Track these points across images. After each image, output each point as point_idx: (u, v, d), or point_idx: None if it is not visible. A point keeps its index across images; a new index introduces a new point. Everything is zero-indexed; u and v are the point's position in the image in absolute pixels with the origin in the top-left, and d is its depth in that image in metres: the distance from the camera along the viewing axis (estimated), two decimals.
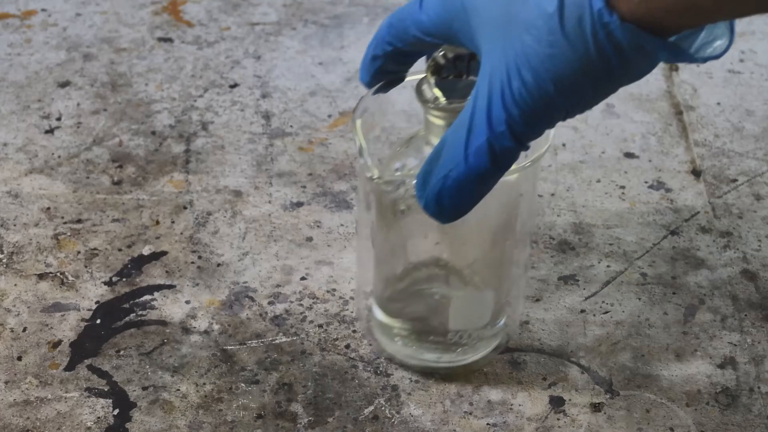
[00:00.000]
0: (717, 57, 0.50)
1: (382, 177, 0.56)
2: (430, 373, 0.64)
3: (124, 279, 0.70)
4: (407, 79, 0.60)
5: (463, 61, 0.55)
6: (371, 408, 0.62)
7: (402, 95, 0.60)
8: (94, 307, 0.68)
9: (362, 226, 0.64)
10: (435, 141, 0.57)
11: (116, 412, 0.62)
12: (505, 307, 0.64)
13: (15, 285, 0.69)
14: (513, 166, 0.52)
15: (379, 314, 0.65)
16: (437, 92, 0.56)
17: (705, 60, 0.50)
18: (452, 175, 0.51)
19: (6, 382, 0.63)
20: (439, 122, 0.57)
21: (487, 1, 0.50)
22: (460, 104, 0.55)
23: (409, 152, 0.60)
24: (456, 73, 0.55)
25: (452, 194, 0.52)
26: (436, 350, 0.64)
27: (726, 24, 0.51)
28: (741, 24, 0.95)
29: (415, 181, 0.53)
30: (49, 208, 0.74)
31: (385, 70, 0.57)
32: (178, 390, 0.63)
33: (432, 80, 0.56)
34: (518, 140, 0.50)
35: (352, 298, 0.69)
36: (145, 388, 0.63)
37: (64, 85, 0.85)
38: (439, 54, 0.55)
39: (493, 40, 0.50)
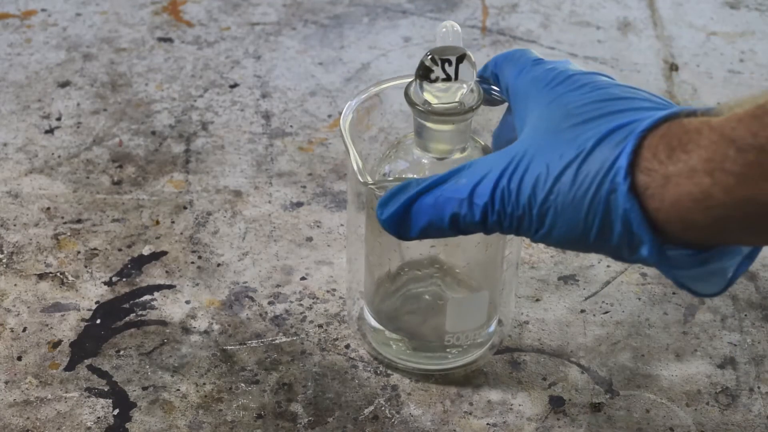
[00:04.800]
0: (698, 295, 0.49)
1: (374, 182, 0.56)
2: (430, 374, 0.64)
3: (124, 279, 0.70)
4: (397, 82, 0.60)
5: (451, 64, 0.55)
6: (371, 408, 0.62)
7: (399, 95, 0.60)
8: (94, 307, 0.68)
9: (352, 226, 0.64)
10: (425, 144, 0.58)
11: (116, 412, 0.62)
12: (498, 307, 0.64)
13: (15, 285, 0.69)
14: None
15: (372, 319, 0.65)
16: (427, 96, 0.55)
17: (685, 288, 0.48)
18: (419, 201, 0.52)
19: (6, 382, 0.63)
20: (429, 125, 0.57)
21: (557, 105, 0.50)
22: (451, 107, 0.56)
23: (398, 155, 0.60)
24: (445, 77, 0.55)
25: (410, 219, 0.52)
26: (430, 353, 0.64)
27: (728, 273, 0.49)
28: (741, 24, 0.96)
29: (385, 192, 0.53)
30: (49, 208, 0.74)
31: None
32: (178, 390, 0.63)
33: (421, 84, 0.56)
34: (483, 221, 0.50)
35: (345, 300, 0.69)
36: (145, 388, 0.63)
37: (64, 85, 0.85)
38: (428, 57, 0.55)
39: (535, 130, 0.50)
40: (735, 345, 0.67)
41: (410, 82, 0.56)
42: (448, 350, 0.64)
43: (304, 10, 0.95)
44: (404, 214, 0.52)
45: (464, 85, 0.55)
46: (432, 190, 0.51)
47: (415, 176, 0.58)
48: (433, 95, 0.55)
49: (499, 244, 0.62)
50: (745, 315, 0.69)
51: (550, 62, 0.54)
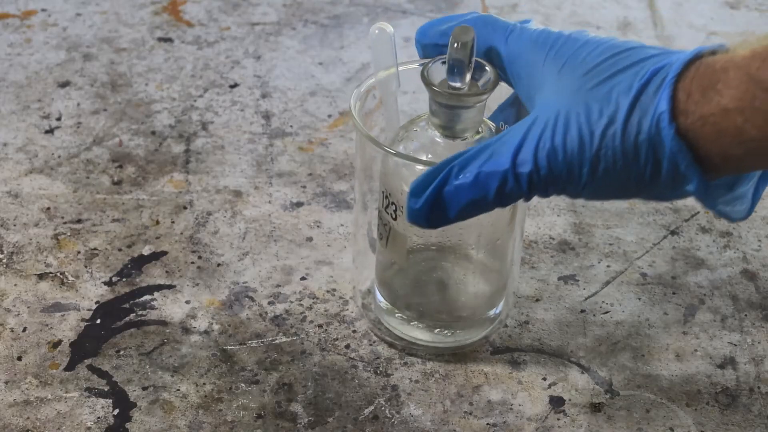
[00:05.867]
0: (733, 219, 0.53)
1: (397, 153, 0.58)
2: (430, 373, 0.64)
3: (124, 279, 0.70)
4: (407, 66, 0.61)
5: (467, 49, 0.55)
6: (371, 408, 0.62)
7: (408, 78, 0.60)
8: (94, 307, 0.68)
9: (359, 225, 0.64)
10: (439, 124, 0.58)
11: (116, 412, 0.62)
12: (503, 292, 0.65)
13: (15, 285, 0.69)
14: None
15: (381, 298, 0.65)
16: (458, 75, 0.56)
17: (722, 214, 0.52)
18: (455, 183, 0.52)
19: (6, 382, 0.63)
20: (445, 106, 0.57)
21: (572, 66, 0.52)
22: (467, 89, 0.56)
23: (411, 135, 0.60)
24: (461, 59, 0.55)
25: (446, 202, 0.53)
26: (435, 329, 0.64)
27: (749, 196, 0.53)
28: (741, 24, 0.96)
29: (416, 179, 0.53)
30: (49, 208, 0.74)
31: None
32: (178, 390, 0.63)
33: (438, 65, 0.56)
34: (530, 189, 0.52)
35: (351, 298, 0.69)
36: (145, 388, 0.63)
37: (64, 85, 0.85)
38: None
39: (558, 92, 0.51)
40: (735, 345, 0.67)
41: (426, 63, 0.57)
42: (457, 327, 0.64)
43: (304, 10, 0.95)
44: (438, 200, 0.53)
45: (486, 68, 0.57)
46: (468, 169, 0.52)
47: (431, 156, 0.59)
48: (451, 76, 0.56)
49: (511, 222, 0.62)
50: (745, 315, 0.69)
51: (531, 27, 0.57)
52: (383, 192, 0.61)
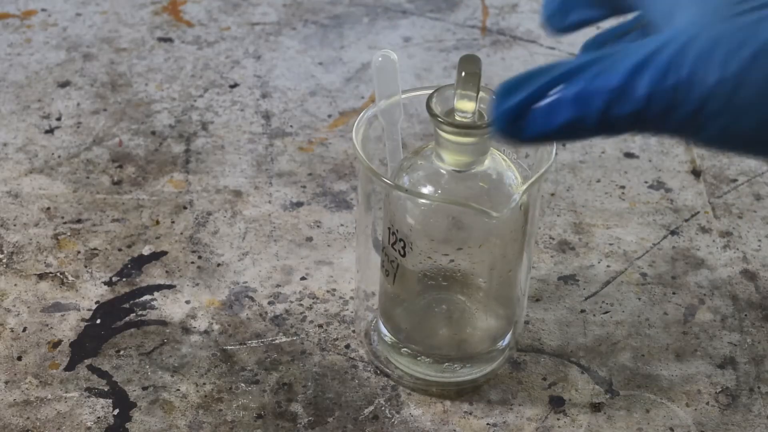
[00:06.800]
0: None
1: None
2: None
3: (124, 279, 0.70)
4: (412, 94, 0.60)
5: (475, 79, 0.54)
6: (371, 408, 0.62)
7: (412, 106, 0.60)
8: (94, 307, 0.68)
9: (362, 226, 0.64)
10: (445, 156, 0.57)
11: (116, 412, 0.62)
12: (511, 326, 0.64)
13: (15, 285, 0.69)
14: (518, 187, 0.51)
15: (385, 330, 0.64)
16: (465, 106, 0.55)
17: None
18: (551, 97, 0.45)
19: (6, 382, 0.63)
20: (449, 137, 0.56)
21: None
22: (472, 121, 0.55)
23: (417, 165, 0.59)
24: (468, 90, 0.54)
25: (537, 114, 0.45)
26: (440, 365, 0.63)
27: None
28: None
29: (497, 89, 0.47)
30: (49, 208, 0.74)
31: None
32: (178, 390, 0.63)
33: (444, 95, 0.55)
34: (640, 117, 0.44)
35: (352, 297, 0.69)
36: (145, 388, 0.63)
37: (64, 85, 0.85)
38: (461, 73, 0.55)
39: (698, 14, 0.44)
40: (735, 345, 0.67)
41: (432, 92, 0.56)
42: (461, 363, 0.63)
43: (304, 10, 0.95)
44: (527, 111, 0.45)
45: (485, 96, 0.55)
46: (573, 80, 0.45)
47: (434, 188, 0.57)
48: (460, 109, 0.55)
49: (516, 261, 0.61)
50: (745, 315, 0.69)
51: None
52: (389, 228, 0.59)
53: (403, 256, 0.59)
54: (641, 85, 0.44)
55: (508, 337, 0.64)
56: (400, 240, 0.59)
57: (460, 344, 0.63)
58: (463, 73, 0.54)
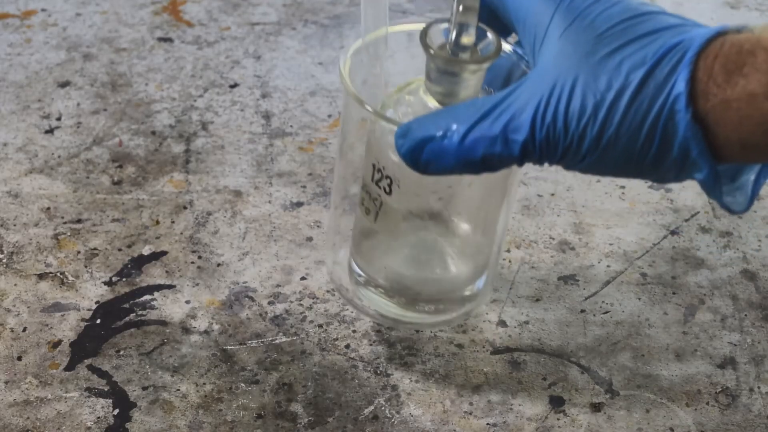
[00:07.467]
0: (734, 211, 0.49)
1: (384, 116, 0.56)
2: (430, 373, 0.64)
3: (124, 279, 0.70)
4: (401, 27, 0.59)
5: (474, 12, 0.53)
6: (371, 408, 0.62)
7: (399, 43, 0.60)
8: (94, 307, 0.68)
9: (340, 186, 0.63)
10: (436, 91, 0.56)
11: (116, 412, 0.62)
12: (485, 270, 0.64)
13: (15, 285, 0.69)
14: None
15: (357, 268, 0.64)
16: (463, 40, 0.54)
17: (724, 206, 0.49)
18: (441, 142, 0.50)
19: (6, 382, 0.63)
20: (444, 71, 0.55)
21: (581, 25, 0.48)
22: (469, 55, 0.54)
23: (403, 100, 0.58)
24: (467, 23, 0.53)
25: (430, 158, 0.51)
26: (412, 305, 0.63)
27: (749, 187, 0.49)
28: (741, 23, 0.95)
29: (405, 121, 0.51)
30: (49, 208, 0.74)
31: None
32: (178, 390, 0.63)
33: (438, 29, 0.55)
34: (522, 156, 0.49)
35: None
36: (145, 388, 0.63)
37: (64, 85, 0.85)
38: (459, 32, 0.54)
39: (563, 55, 0.48)
40: (735, 345, 0.67)
41: (428, 24, 0.55)
42: (430, 304, 0.63)
43: (304, 10, 0.95)
44: (423, 152, 0.51)
45: (488, 34, 0.55)
46: (455, 129, 0.50)
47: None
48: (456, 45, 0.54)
49: (504, 197, 0.61)
50: (745, 315, 0.69)
51: None
52: (374, 165, 0.58)
53: (389, 193, 0.58)
54: (516, 137, 0.48)
55: (482, 281, 0.64)
56: (386, 177, 0.58)
57: (434, 284, 0.63)
58: (461, 7, 0.53)
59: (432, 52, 0.54)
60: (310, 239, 0.73)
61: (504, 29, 0.56)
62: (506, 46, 0.58)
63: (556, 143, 0.48)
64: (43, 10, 0.94)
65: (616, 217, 0.75)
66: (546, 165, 0.50)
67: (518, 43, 0.57)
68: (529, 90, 0.48)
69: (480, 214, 0.62)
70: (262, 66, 0.88)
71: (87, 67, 0.87)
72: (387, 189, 0.58)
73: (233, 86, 0.86)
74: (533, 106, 0.48)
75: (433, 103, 0.56)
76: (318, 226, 0.74)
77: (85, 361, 0.64)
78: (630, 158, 0.47)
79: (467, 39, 0.54)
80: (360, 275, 0.64)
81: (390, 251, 0.63)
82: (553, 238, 0.73)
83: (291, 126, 0.82)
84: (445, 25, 0.55)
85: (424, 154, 0.51)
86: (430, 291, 0.63)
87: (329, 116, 0.83)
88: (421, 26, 0.55)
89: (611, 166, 0.48)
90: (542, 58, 0.49)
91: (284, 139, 0.81)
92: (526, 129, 0.48)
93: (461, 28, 0.53)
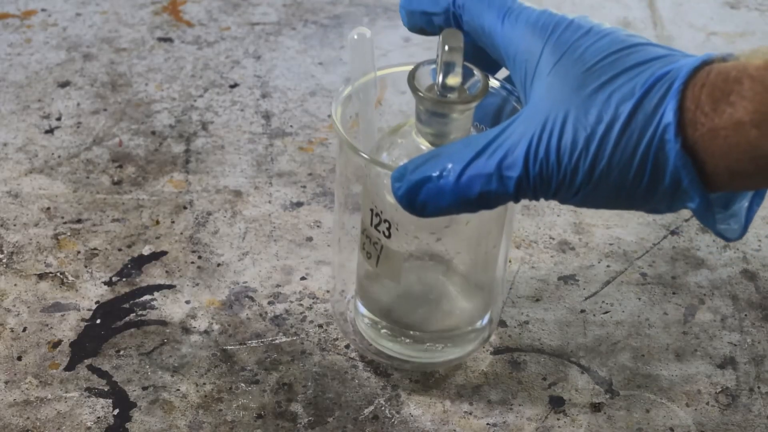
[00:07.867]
0: (728, 239, 0.50)
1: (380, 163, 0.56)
2: (430, 373, 0.64)
3: (124, 279, 0.70)
4: (392, 70, 0.59)
5: (458, 53, 0.53)
6: (371, 408, 0.62)
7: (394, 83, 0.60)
8: (94, 307, 0.68)
9: (338, 228, 0.63)
10: (427, 133, 0.56)
11: (116, 412, 0.62)
12: (490, 306, 0.64)
13: (15, 285, 0.69)
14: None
15: (363, 309, 0.64)
16: (450, 81, 0.54)
17: (718, 233, 0.49)
18: (437, 182, 0.51)
19: (6, 382, 0.63)
20: (432, 112, 0.55)
21: (570, 60, 0.49)
22: (456, 96, 0.54)
23: (396, 142, 0.58)
24: (452, 62, 0.54)
25: (427, 198, 0.51)
26: (421, 345, 0.63)
27: (742, 214, 0.50)
28: (741, 24, 0.96)
29: (401, 164, 0.52)
30: (49, 208, 0.74)
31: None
32: (178, 390, 0.63)
33: (426, 70, 0.55)
34: (517, 193, 0.49)
35: (352, 297, 0.69)
36: (145, 388, 0.63)
37: (64, 85, 0.85)
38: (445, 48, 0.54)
39: (554, 89, 0.49)
40: (735, 345, 0.67)
41: (415, 66, 0.55)
42: (438, 343, 0.63)
43: (304, 10, 0.95)
44: (420, 194, 0.51)
45: (475, 73, 0.55)
46: (450, 168, 0.50)
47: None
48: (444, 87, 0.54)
49: (501, 232, 0.61)
50: (745, 315, 0.69)
51: (530, 6, 0.53)
52: (372, 210, 0.59)
53: (388, 237, 0.59)
54: (510, 174, 0.49)
55: (487, 317, 0.64)
56: (385, 221, 0.58)
57: (439, 323, 0.63)
58: (446, 47, 0.53)
59: (420, 94, 0.54)
60: (310, 239, 0.73)
61: (493, 66, 0.57)
62: (494, 82, 0.58)
63: (550, 178, 0.48)
64: (43, 10, 0.94)
65: (616, 217, 0.75)
66: (542, 200, 0.50)
67: (508, 79, 0.57)
68: (521, 126, 0.49)
69: (480, 251, 0.62)
70: (262, 66, 0.88)
71: (87, 67, 0.87)
72: (386, 233, 0.59)
73: (233, 86, 0.86)
74: (526, 142, 0.48)
75: (425, 145, 0.57)
76: (318, 226, 0.74)
77: (85, 361, 0.64)
78: (622, 189, 0.48)
79: (454, 79, 0.54)
80: (366, 317, 0.64)
81: (393, 293, 0.63)
82: (553, 238, 0.73)
83: (291, 126, 0.82)
84: (433, 66, 0.55)
85: (421, 195, 0.51)
86: (436, 330, 0.64)
87: (329, 116, 0.83)
88: (409, 68, 0.56)
89: (604, 198, 0.49)
90: (534, 94, 0.50)
91: (284, 139, 0.81)
92: (520, 165, 0.48)
93: (448, 68, 0.53)
